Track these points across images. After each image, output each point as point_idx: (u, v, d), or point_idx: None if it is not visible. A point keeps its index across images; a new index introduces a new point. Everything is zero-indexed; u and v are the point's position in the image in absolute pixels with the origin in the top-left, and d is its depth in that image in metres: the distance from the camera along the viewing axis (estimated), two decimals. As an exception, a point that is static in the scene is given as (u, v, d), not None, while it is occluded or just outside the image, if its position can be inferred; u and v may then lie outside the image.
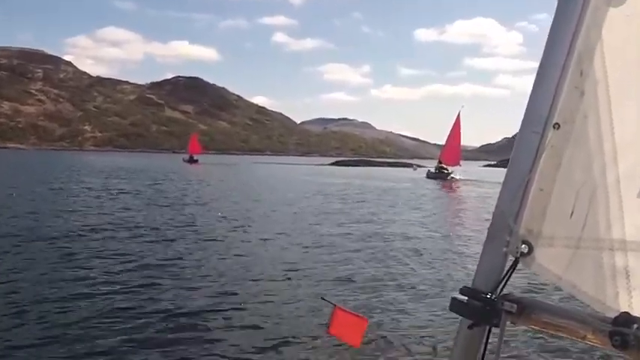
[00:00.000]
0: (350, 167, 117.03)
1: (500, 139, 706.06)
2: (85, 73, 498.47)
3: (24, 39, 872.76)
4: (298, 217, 21.99)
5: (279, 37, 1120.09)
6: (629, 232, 1.48)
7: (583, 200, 1.51)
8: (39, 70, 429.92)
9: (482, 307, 1.54)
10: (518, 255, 1.55)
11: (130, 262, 12.94)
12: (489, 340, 1.62)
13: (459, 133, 72.12)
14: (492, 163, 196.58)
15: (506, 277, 1.57)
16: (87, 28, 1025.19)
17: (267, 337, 8.38)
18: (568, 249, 1.52)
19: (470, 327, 1.58)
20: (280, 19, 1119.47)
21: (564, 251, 1.53)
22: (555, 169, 1.53)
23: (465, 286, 1.60)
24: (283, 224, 20.02)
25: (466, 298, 1.58)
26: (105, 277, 11.43)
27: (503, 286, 1.56)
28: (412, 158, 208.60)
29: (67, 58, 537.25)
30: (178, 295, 10.45)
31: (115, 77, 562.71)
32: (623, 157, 1.48)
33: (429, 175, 73.98)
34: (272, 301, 10.50)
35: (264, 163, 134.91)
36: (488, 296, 1.55)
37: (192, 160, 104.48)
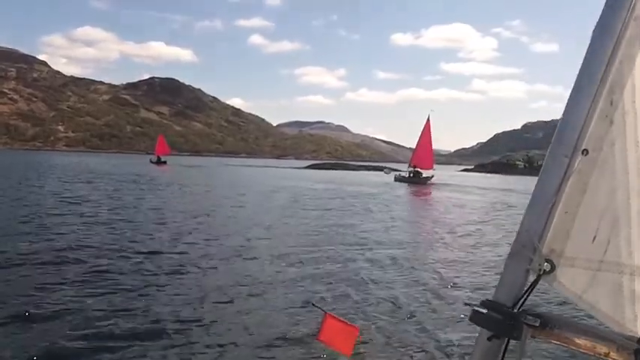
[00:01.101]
0: (326, 170, 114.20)
1: (474, 144, 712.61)
2: (59, 72, 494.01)
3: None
4: (254, 225, 20.91)
5: (256, 39, 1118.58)
6: None
7: (606, 225, 1.55)
8: (12, 70, 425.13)
9: (503, 320, 1.58)
10: (541, 272, 1.60)
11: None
12: (506, 354, 1.65)
13: (430, 136, 72.74)
14: (469, 167, 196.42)
15: (528, 292, 1.61)
16: (62, 27, 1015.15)
17: (253, 345, 8.29)
18: (589, 270, 1.57)
19: (489, 338, 1.61)
20: (257, 21, 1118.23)
21: (585, 272, 1.58)
22: (581, 194, 1.57)
23: (486, 299, 1.64)
24: (244, 233, 18.88)
25: (487, 310, 1.62)
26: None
27: (524, 301, 1.60)
28: (388, 162, 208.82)
29: (41, 57, 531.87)
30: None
31: (89, 77, 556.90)
32: None
33: (398, 179, 73.05)
34: (256, 308, 10.27)
35: (235, 165, 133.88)
36: (510, 309, 1.59)
37: (159, 162, 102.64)
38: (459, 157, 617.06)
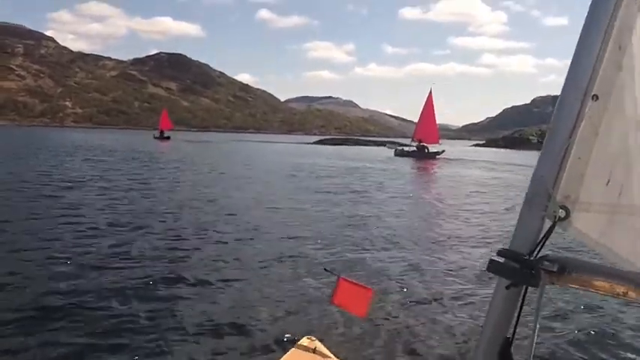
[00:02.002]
0: (336, 146, 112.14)
1: (483, 119, 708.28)
2: (66, 48, 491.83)
3: (4, 13, 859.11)
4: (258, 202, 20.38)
5: (264, 14, 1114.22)
6: None
7: (619, 169, 1.57)
8: (19, 46, 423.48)
9: (521, 268, 1.58)
10: (556, 219, 1.60)
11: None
12: (525, 300, 1.67)
13: (433, 110, 70.60)
14: (481, 142, 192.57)
15: (544, 239, 1.61)
16: (68, 2, 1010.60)
17: (268, 311, 8.11)
18: (604, 214, 1.58)
19: (508, 287, 1.61)
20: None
21: (600, 216, 1.59)
22: (593, 139, 1.58)
23: (502, 248, 1.64)
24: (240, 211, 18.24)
25: (504, 259, 1.62)
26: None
27: (541, 248, 1.60)
28: (397, 137, 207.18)
29: (48, 33, 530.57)
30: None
31: (96, 53, 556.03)
32: None
33: (399, 154, 70.44)
34: (270, 275, 10.16)
35: (242, 140, 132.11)
36: (527, 257, 1.59)
37: (162, 137, 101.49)
38: (467, 132, 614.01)
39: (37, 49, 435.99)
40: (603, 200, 1.58)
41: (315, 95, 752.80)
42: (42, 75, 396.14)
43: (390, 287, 9.41)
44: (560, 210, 1.60)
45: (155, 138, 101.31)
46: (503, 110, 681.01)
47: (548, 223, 1.62)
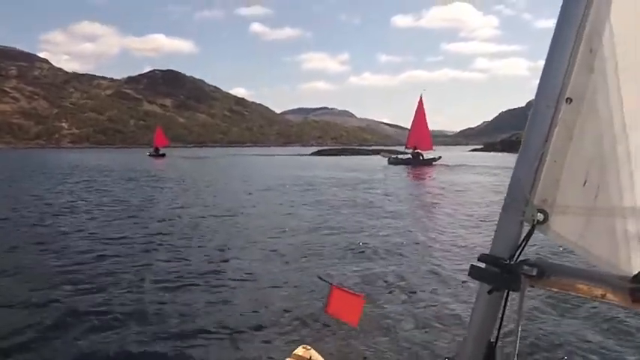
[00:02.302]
0: (333, 156, 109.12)
1: (479, 123, 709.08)
2: (60, 69, 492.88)
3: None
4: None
5: (256, 28, 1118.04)
6: None
7: (595, 171, 1.58)
8: (13, 68, 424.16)
9: (501, 273, 1.61)
10: (535, 223, 1.62)
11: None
12: (507, 304, 1.69)
13: (424, 116, 68.57)
14: (478, 147, 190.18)
15: (523, 243, 1.63)
16: (61, 23, 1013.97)
17: (263, 319, 8.09)
18: (582, 216, 1.60)
19: (490, 292, 1.64)
20: (257, 9, 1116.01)
21: (578, 219, 1.60)
22: (568, 142, 1.60)
23: (483, 254, 1.66)
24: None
25: (485, 264, 1.65)
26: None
27: (520, 253, 1.63)
28: (394, 145, 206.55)
29: (42, 54, 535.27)
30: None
31: (91, 72, 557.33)
32: (632, 130, 1.56)
33: (392, 162, 68.53)
34: (266, 283, 10.16)
35: (239, 154, 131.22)
36: (507, 262, 1.61)
37: (157, 154, 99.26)
38: (464, 137, 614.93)
39: (30, 71, 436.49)
40: (580, 203, 1.60)
41: (310, 106, 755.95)
42: (36, 97, 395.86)
43: (383, 295, 9.40)
44: (539, 214, 1.61)
45: (150, 155, 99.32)
46: (499, 114, 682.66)
47: (527, 227, 1.64)
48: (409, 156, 67.04)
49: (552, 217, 1.62)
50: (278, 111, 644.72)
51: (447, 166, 63.06)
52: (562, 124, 1.59)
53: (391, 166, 64.78)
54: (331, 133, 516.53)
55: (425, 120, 68.61)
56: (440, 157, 66.82)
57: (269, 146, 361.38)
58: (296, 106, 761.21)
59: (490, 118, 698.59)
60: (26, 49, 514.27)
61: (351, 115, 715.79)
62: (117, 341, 7.19)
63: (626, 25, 1.56)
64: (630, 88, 1.56)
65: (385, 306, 8.73)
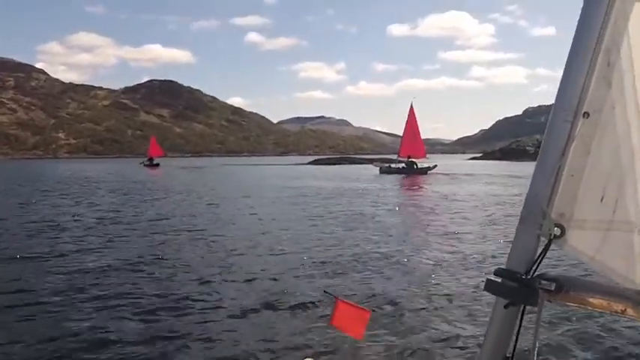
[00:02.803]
0: (331, 166, 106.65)
1: (477, 132, 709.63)
2: (57, 80, 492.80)
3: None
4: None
5: (253, 37, 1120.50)
6: None
7: (612, 185, 1.57)
8: (10, 79, 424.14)
9: (518, 287, 1.59)
10: (552, 237, 1.60)
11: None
12: (523, 320, 1.67)
13: (417, 124, 67.66)
14: (477, 155, 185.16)
15: (540, 257, 1.61)
16: (58, 34, 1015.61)
17: (269, 333, 8.11)
18: (599, 231, 1.58)
19: (506, 306, 1.62)
20: (253, 19, 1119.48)
21: (596, 234, 1.58)
22: (585, 156, 1.58)
23: (499, 268, 1.64)
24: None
25: (501, 279, 1.63)
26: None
27: (537, 267, 1.61)
28: (390, 154, 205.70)
29: (39, 65, 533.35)
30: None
31: (88, 83, 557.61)
32: None
33: (384, 171, 66.64)
34: (272, 296, 10.15)
35: (235, 164, 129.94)
36: (524, 276, 1.59)
37: (151, 164, 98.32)
38: (462, 145, 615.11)
39: (27, 82, 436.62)
40: (598, 217, 1.58)
41: (307, 116, 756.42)
42: (33, 107, 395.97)
43: (388, 309, 9.28)
44: (556, 228, 1.60)
45: (145, 165, 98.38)
46: (496, 122, 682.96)
47: (543, 242, 1.62)
48: (402, 165, 65.29)
49: (569, 231, 1.60)
50: (275, 120, 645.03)
51: (447, 175, 61.78)
52: (579, 139, 1.57)
53: (384, 175, 63.27)
54: (328, 142, 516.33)
55: (417, 128, 67.82)
56: (435, 166, 65.32)
57: (266, 155, 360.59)
58: (293, 116, 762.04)
59: (487, 127, 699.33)
60: (23, 60, 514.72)
61: (348, 124, 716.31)
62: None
63: None
64: None
65: (392, 320, 8.63)
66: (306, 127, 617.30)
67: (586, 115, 1.57)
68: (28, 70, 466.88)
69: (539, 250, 1.62)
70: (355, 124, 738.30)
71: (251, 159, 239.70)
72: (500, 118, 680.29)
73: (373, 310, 8.36)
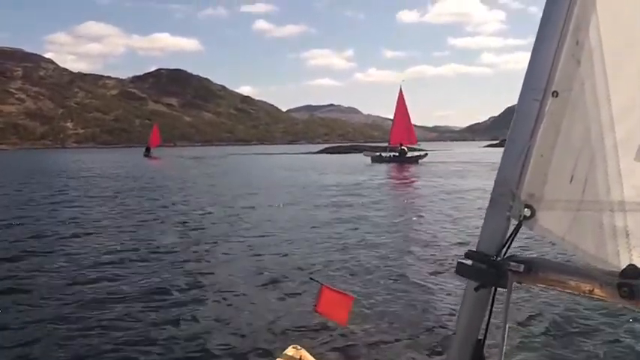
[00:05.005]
0: (342, 155, 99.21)
1: (486, 119, 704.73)
2: (65, 69, 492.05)
3: (1, 37, 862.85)
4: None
5: (261, 25, 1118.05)
6: (627, 194, 1.53)
7: (582, 165, 1.55)
8: (18, 69, 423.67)
9: (488, 269, 1.59)
10: (522, 219, 1.60)
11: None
12: (495, 301, 1.67)
13: (406, 109, 63.91)
14: (494, 142, 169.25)
15: (510, 239, 1.61)
16: (66, 24, 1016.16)
17: (252, 319, 8.04)
18: (569, 211, 1.57)
19: (477, 289, 1.62)
20: (260, 7, 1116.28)
21: (566, 214, 1.57)
22: (555, 136, 1.58)
23: (470, 250, 1.64)
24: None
25: (472, 261, 1.63)
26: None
27: (508, 249, 1.61)
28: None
29: (48, 55, 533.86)
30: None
31: (97, 72, 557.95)
32: (619, 122, 1.53)
33: (376, 160, 61.89)
34: (255, 283, 10.06)
35: (240, 154, 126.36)
36: (494, 258, 1.59)
37: (149, 155, 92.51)
38: (472, 132, 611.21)
39: (35, 72, 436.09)
40: (568, 197, 1.57)
41: (316, 104, 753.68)
42: (42, 97, 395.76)
43: (373, 295, 9.27)
44: (526, 209, 1.60)
45: (145, 156, 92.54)
46: (507, 109, 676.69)
47: (514, 223, 1.62)
48: (394, 153, 60.62)
49: (539, 212, 1.60)
50: (284, 109, 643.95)
51: (458, 167, 52.36)
52: (549, 118, 1.57)
53: (375, 164, 58.65)
54: (338, 130, 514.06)
55: (407, 113, 64.12)
56: (426, 154, 60.80)
57: (275, 144, 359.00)
58: (302, 104, 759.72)
59: (497, 114, 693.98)
60: (32, 50, 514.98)
61: (357, 112, 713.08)
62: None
63: (612, 16, 1.54)
64: (617, 79, 1.54)
65: (377, 306, 8.60)
66: (315, 115, 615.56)
67: (555, 94, 1.56)
68: (36, 59, 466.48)
69: (510, 232, 1.62)
70: (364, 111, 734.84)
71: (260, 148, 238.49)
72: (510, 105, 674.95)
73: (358, 295, 8.56)
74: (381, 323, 7.80)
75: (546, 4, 1.58)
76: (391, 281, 10.16)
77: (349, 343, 7.07)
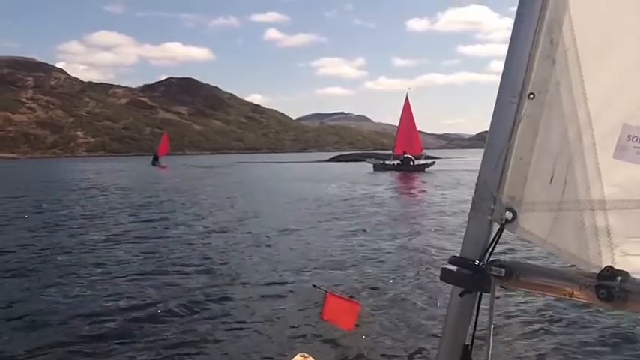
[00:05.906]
0: (354, 162, 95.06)
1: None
2: (76, 78, 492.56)
3: (13, 47, 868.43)
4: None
5: (272, 34, 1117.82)
6: (607, 192, 1.52)
7: (561, 165, 1.55)
8: (29, 78, 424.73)
9: (471, 275, 1.59)
10: (503, 222, 1.60)
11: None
12: (481, 306, 1.68)
13: (412, 117, 62.33)
14: None
15: (493, 244, 1.62)
16: (77, 33, 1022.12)
17: (260, 327, 8.31)
18: (550, 212, 1.57)
19: (461, 294, 1.63)
20: (271, 16, 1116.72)
21: (547, 215, 1.57)
22: (533, 138, 1.58)
23: (453, 256, 1.65)
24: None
25: (455, 267, 1.64)
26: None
27: (491, 253, 1.61)
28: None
29: (59, 65, 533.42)
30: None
31: (108, 82, 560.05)
32: (596, 121, 1.52)
33: (378, 168, 61.36)
34: (262, 292, 10.39)
35: (249, 162, 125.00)
36: (476, 263, 1.60)
37: (156, 164, 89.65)
38: (482, 140, 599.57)
39: (47, 81, 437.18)
40: (548, 199, 1.57)
41: (326, 112, 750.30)
42: (52, 106, 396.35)
43: (379, 302, 9.54)
44: (507, 212, 1.59)
45: (153, 165, 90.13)
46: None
47: (497, 227, 1.62)
48: (397, 162, 59.85)
49: (521, 215, 1.59)
50: (294, 117, 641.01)
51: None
52: (526, 120, 1.57)
53: (378, 173, 57.90)
54: (348, 138, 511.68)
55: (413, 121, 62.60)
56: (433, 163, 60.16)
57: (285, 152, 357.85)
58: (312, 112, 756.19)
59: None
60: (44, 60, 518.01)
61: (368, 120, 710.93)
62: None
63: (586, 14, 1.53)
64: (592, 77, 1.53)
65: (383, 313, 8.85)
66: (326, 123, 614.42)
67: (531, 95, 1.56)
68: (48, 69, 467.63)
69: (493, 236, 1.62)
70: (375, 119, 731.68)
71: (271, 156, 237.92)
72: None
73: (363, 302, 8.70)
74: (388, 331, 8.01)
75: (519, 4, 1.58)
76: (398, 290, 10.36)
77: (356, 350, 7.22)
